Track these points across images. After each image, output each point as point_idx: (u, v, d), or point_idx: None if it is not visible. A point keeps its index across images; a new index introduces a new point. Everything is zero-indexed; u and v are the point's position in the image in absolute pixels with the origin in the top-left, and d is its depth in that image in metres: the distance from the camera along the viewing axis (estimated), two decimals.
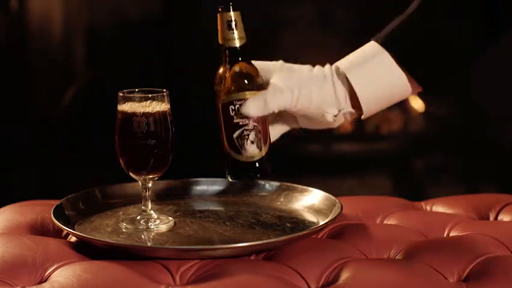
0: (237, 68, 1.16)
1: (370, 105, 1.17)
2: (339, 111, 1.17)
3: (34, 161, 2.38)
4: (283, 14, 2.34)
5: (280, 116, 1.20)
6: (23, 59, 2.36)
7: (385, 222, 1.27)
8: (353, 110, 1.17)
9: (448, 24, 1.15)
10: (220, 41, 1.16)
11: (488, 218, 1.30)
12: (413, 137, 2.34)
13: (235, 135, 1.16)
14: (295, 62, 1.21)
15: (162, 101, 1.19)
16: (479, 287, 1.02)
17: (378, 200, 1.38)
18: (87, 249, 1.11)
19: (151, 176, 1.20)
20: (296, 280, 1.03)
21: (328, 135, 2.28)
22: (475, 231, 1.19)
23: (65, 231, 1.19)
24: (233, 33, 1.15)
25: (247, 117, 1.15)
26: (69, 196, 1.26)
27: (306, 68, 1.18)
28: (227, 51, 1.16)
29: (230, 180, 1.19)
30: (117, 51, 2.36)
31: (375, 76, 1.16)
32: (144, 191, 1.21)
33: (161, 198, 1.31)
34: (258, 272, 1.04)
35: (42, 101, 2.37)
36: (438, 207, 1.34)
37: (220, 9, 1.15)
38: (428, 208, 1.35)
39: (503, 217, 1.28)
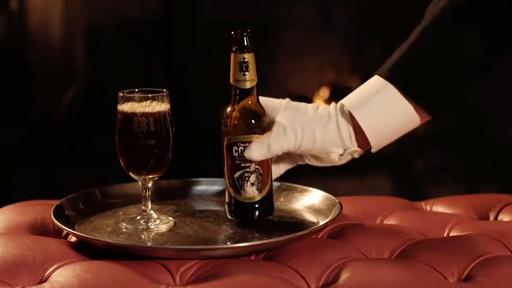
0: (244, 110, 1.16)
1: (378, 140, 1.16)
2: (345, 150, 1.16)
3: (34, 161, 2.38)
4: (283, 14, 2.34)
5: (286, 154, 1.21)
6: (23, 59, 2.36)
7: (385, 222, 1.27)
8: (358, 149, 1.17)
9: (450, 48, 1.14)
10: (231, 81, 1.16)
11: (488, 218, 1.30)
12: (413, 137, 2.34)
13: (236, 175, 1.17)
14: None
15: (162, 101, 1.19)
16: (479, 287, 1.02)
17: (378, 200, 1.38)
18: (87, 249, 1.11)
19: (151, 176, 1.20)
20: (296, 280, 1.03)
21: None
22: (475, 231, 1.19)
23: (65, 231, 1.19)
24: (244, 75, 1.15)
25: (249, 160, 1.16)
26: (69, 196, 1.26)
27: (311, 107, 1.18)
28: (237, 91, 1.16)
29: (229, 217, 1.20)
30: (117, 51, 2.36)
31: (381, 111, 1.15)
32: (144, 191, 1.21)
33: (161, 198, 1.31)
34: (258, 272, 1.04)
35: (42, 101, 2.37)
36: (438, 207, 1.34)
37: (234, 49, 1.15)
38: (428, 208, 1.35)
39: (503, 217, 1.28)
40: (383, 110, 1.15)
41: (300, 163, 1.23)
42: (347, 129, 1.16)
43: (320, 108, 1.17)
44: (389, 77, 1.15)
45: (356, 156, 1.18)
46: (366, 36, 2.32)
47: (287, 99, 1.19)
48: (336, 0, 2.36)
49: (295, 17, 2.34)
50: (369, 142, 1.16)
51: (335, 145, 1.16)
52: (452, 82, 1.15)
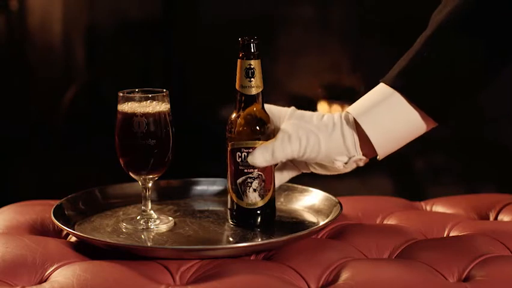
0: (248, 117, 1.17)
1: (385, 148, 1.16)
2: (350, 158, 1.17)
3: (34, 161, 2.38)
4: (283, 14, 2.34)
5: (291, 161, 1.21)
6: (23, 59, 2.36)
7: (385, 222, 1.27)
8: (363, 157, 1.17)
9: (455, 55, 1.14)
10: (236, 87, 1.17)
11: (488, 218, 1.30)
12: None
13: (239, 181, 1.17)
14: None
15: (162, 101, 1.19)
16: (479, 287, 1.02)
17: (378, 200, 1.38)
18: (87, 249, 1.11)
19: (151, 176, 1.20)
20: (296, 280, 1.03)
21: None
22: (475, 231, 1.19)
23: (65, 231, 1.19)
24: (250, 81, 1.16)
25: (252, 166, 1.16)
26: (69, 196, 1.26)
27: (316, 115, 1.18)
28: (242, 97, 1.17)
29: (231, 223, 1.20)
30: (117, 51, 2.36)
31: (387, 119, 1.15)
32: (144, 191, 1.21)
33: (161, 198, 1.31)
34: (258, 272, 1.04)
35: (42, 101, 2.37)
36: (438, 207, 1.34)
37: (240, 55, 1.16)
38: (428, 208, 1.35)
39: (503, 217, 1.28)
40: (389, 117, 1.15)
41: (304, 171, 1.23)
42: (352, 138, 1.16)
43: (325, 116, 1.18)
44: (395, 85, 1.15)
45: (361, 164, 1.18)
46: (366, 37, 2.32)
47: (292, 108, 1.20)
48: (336, 0, 2.36)
49: (295, 17, 2.34)
50: (375, 150, 1.16)
51: (340, 153, 1.16)
52: (458, 88, 1.15)
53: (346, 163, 1.17)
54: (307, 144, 1.15)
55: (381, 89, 1.17)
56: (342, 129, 1.16)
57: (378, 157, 1.18)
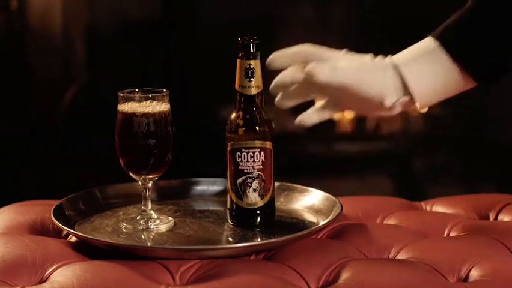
0: (248, 117, 1.17)
1: (424, 97, 1.18)
2: (398, 99, 1.17)
3: (34, 161, 2.38)
4: (283, 14, 2.34)
5: (331, 100, 1.20)
6: (23, 59, 2.36)
7: (385, 222, 1.27)
8: (407, 98, 1.17)
9: (505, 20, 1.15)
10: (236, 87, 1.17)
11: (488, 218, 1.30)
12: (413, 137, 2.34)
13: (239, 181, 1.17)
14: None
15: (162, 101, 1.19)
16: (479, 287, 1.02)
17: (378, 200, 1.38)
18: (87, 249, 1.11)
19: (151, 176, 1.20)
20: (296, 280, 1.03)
21: (328, 135, 2.28)
22: (475, 231, 1.19)
23: (65, 231, 1.19)
24: (250, 81, 1.16)
25: (252, 166, 1.17)
26: (69, 196, 1.26)
27: (368, 56, 1.19)
28: (242, 98, 1.17)
29: (230, 223, 1.20)
30: (117, 51, 2.36)
31: (427, 71, 1.16)
32: (144, 191, 1.21)
33: (161, 198, 1.31)
34: (258, 272, 1.04)
35: (42, 101, 2.37)
36: (438, 207, 1.34)
37: (240, 55, 1.16)
38: (428, 208, 1.35)
39: (503, 217, 1.28)
40: (429, 70, 1.17)
41: (337, 111, 1.22)
42: (400, 80, 1.17)
43: (376, 58, 1.19)
44: (440, 39, 1.16)
45: (406, 108, 1.18)
46: (366, 37, 2.32)
47: (344, 50, 1.20)
48: (336, 0, 2.36)
49: (296, 17, 2.34)
50: (413, 101, 1.17)
51: (391, 92, 1.17)
52: (499, 50, 1.16)
53: (394, 103, 1.18)
54: (363, 77, 1.15)
55: (427, 42, 1.18)
56: (393, 71, 1.17)
57: (418, 107, 1.18)
